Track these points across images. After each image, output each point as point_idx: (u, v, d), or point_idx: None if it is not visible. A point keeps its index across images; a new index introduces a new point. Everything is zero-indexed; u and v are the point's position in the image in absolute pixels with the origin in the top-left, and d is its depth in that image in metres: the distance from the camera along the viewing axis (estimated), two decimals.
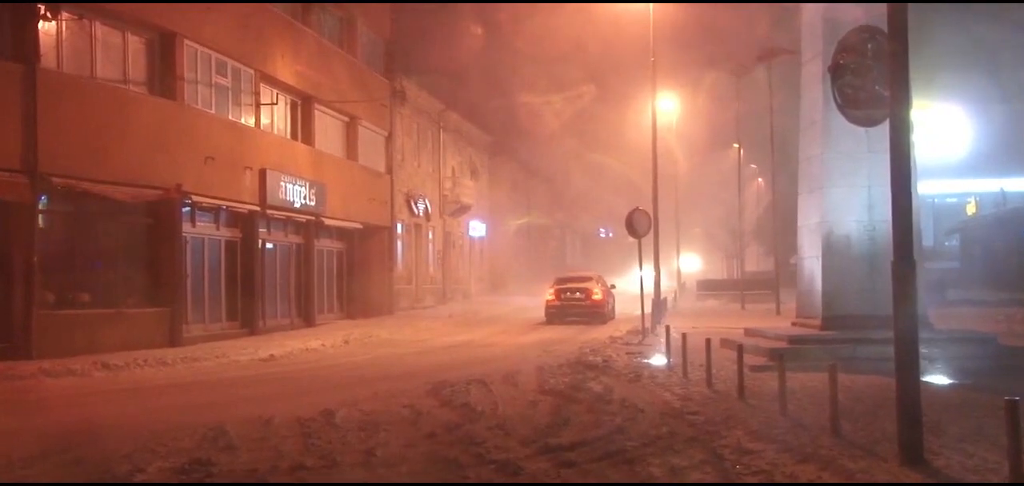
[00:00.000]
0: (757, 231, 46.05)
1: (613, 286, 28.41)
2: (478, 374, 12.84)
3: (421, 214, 34.19)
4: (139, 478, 6.94)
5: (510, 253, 48.48)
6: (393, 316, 28.44)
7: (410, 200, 33.07)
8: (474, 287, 42.07)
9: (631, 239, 20.91)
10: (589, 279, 27.58)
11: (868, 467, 6.99)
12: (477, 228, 42.99)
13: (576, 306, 26.20)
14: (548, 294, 26.99)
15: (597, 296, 26.55)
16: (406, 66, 32.55)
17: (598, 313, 26.08)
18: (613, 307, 27.47)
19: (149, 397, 11.93)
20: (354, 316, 27.42)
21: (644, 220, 20.79)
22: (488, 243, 45.44)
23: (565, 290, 26.72)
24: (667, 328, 15.60)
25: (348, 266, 28.35)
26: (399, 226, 32.10)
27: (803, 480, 6.70)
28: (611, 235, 74.33)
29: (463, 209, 39.36)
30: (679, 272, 46.59)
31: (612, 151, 53.86)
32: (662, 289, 24.58)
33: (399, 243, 32.16)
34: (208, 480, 6.93)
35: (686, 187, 50.57)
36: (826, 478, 6.74)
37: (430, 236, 36.23)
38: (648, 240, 21.87)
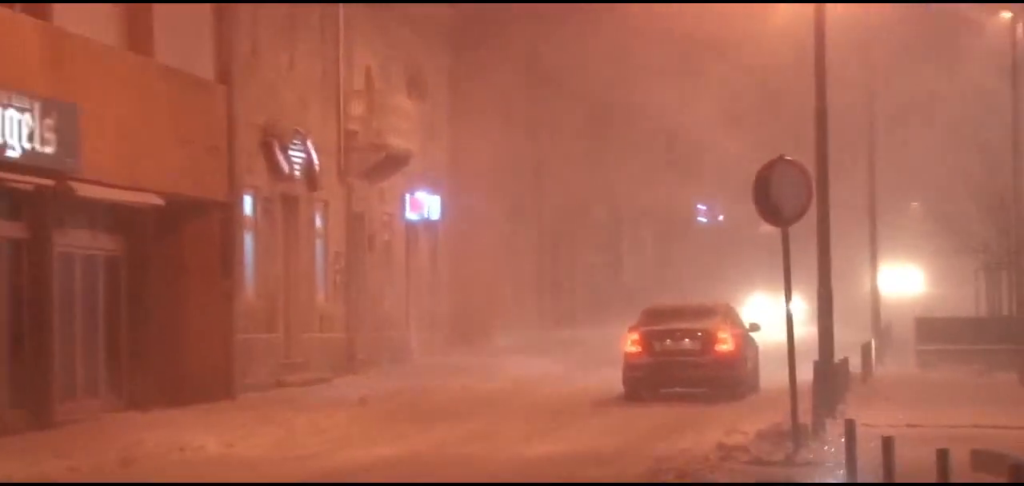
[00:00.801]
0: None
1: (753, 327, 31.13)
2: None
3: (297, 171, 34.26)
4: None
5: (498, 261, 48.63)
6: (234, 402, 28.74)
7: (272, 142, 33.25)
8: (418, 335, 42.17)
9: (765, 228, 20.98)
10: (709, 312, 30.82)
11: None
12: (424, 205, 43.31)
13: (686, 365, 29.22)
14: (629, 342, 29.33)
15: (725, 345, 29.19)
16: None
17: (727, 379, 28.86)
18: (755, 368, 30.32)
19: None
20: (145, 404, 27.59)
21: (797, 185, 20.89)
22: (449, 238, 45.80)
23: (662, 335, 29.52)
24: (849, 423, 15.61)
25: (133, 291, 28.58)
26: (248, 200, 32.44)
27: None
28: (721, 221, 74.69)
29: (392, 162, 39.59)
30: (877, 300, 46.86)
31: (725, 47, 54.42)
32: (838, 339, 24.63)
33: (248, 238, 32.47)
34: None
35: (888, 120, 50.96)
36: None
37: (318, 222, 36.64)
38: (804, 230, 21.80)
